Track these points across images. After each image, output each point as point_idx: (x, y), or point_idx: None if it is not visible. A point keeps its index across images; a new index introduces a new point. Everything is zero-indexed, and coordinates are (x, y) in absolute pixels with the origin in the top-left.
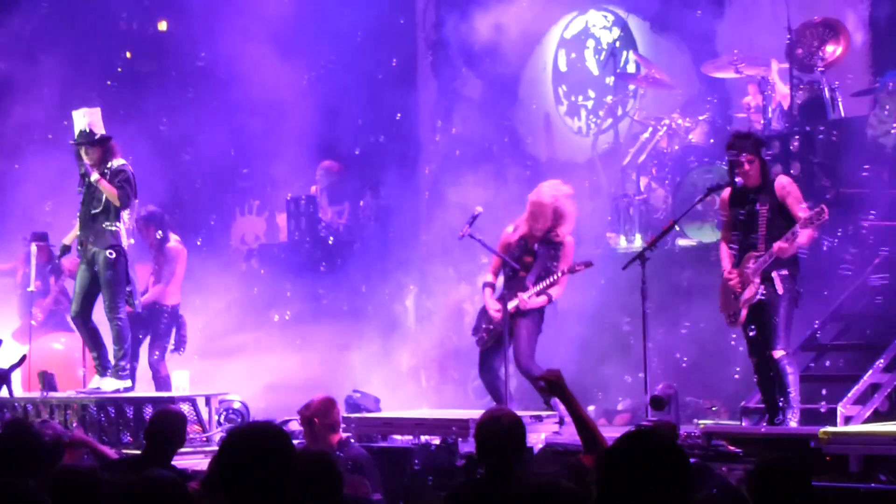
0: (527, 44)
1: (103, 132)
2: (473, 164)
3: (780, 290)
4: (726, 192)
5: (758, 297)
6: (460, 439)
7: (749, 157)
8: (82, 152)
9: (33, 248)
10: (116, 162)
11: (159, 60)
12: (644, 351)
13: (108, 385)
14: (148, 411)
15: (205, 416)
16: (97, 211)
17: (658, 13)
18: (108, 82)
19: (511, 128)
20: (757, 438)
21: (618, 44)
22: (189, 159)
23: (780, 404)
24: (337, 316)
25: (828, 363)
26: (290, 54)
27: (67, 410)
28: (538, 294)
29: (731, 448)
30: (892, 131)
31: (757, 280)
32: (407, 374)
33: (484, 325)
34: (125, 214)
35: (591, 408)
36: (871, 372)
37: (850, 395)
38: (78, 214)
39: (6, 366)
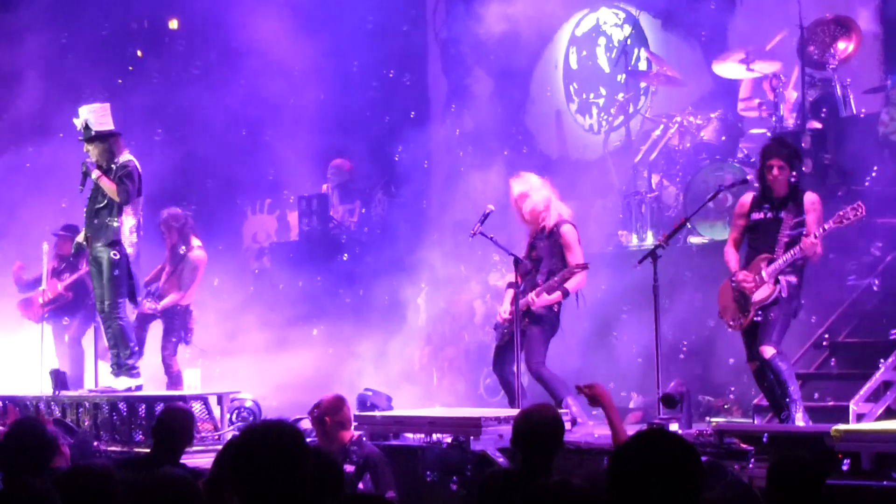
0: (538, 41)
1: (110, 128)
2: (484, 161)
3: (785, 293)
4: (748, 197)
5: (771, 298)
6: (472, 437)
7: (780, 164)
8: (85, 148)
9: (45, 246)
10: (122, 158)
11: (170, 58)
12: (656, 349)
13: (121, 384)
14: (160, 410)
15: (217, 414)
16: (100, 206)
17: (669, 10)
18: (119, 80)
19: (522, 125)
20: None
21: (629, 41)
22: (201, 158)
23: (784, 401)
24: (348, 314)
25: (839, 360)
26: (299, 53)
27: (79, 409)
28: (548, 292)
29: (744, 446)
30: None
31: (772, 281)
32: (419, 373)
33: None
34: (128, 210)
35: None
36: (882, 369)
37: (861, 392)
38: (84, 210)
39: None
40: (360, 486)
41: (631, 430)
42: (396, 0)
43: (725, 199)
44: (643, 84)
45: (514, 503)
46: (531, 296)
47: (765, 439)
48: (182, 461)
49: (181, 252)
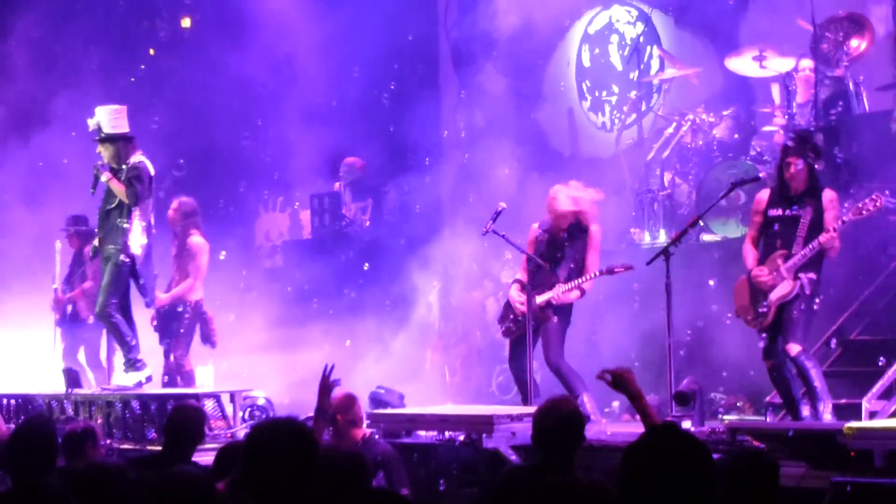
0: (551, 38)
1: (124, 130)
2: (497, 159)
3: (808, 290)
4: (765, 193)
5: (792, 294)
6: (484, 435)
7: (798, 161)
8: (98, 150)
9: (58, 244)
10: (133, 159)
11: (183, 60)
12: (668, 346)
13: (130, 380)
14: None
15: (229, 412)
16: (111, 207)
17: (682, 7)
18: (132, 79)
19: (535, 123)
20: (782, 434)
21: (641, 39)
22: (213, 155)
23: (806, 399)
24: (361, 312)
25: (852, 358)
26: (310, 52)
27: (92, 407)
28: (571, 290)
29: (756, 443)
30: None
31: (791, 277)
32: (431, 370)
33: (511, 316)
34: (138, 212)
35: (615, 403)
36: (895, 367)
37: (874, 389)
38: (98, 212)
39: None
40: (374, 484)
41: (642, 428)
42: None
43: (738, 196)
44: (655, 82)
45: (535, 500)
46: (559, 290)
47: (790, 434)
48: (194, 459)
49: (181, 240)
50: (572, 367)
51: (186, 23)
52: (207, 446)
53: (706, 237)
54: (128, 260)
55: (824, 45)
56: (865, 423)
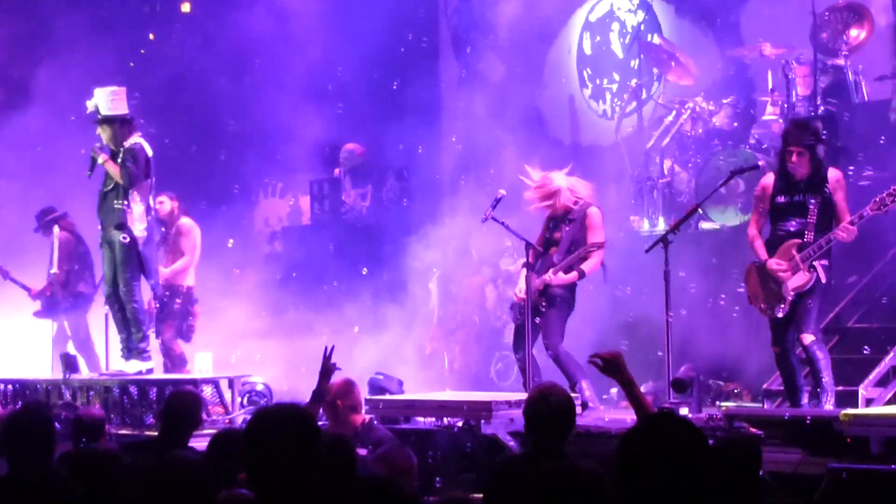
0: (552, 26)
1: (123, 112)
2: (497, 146)
3: (823, 279)
4: (769, 179)
5: (809, 285)
6: (483, 421)
7: (799, 149)
8: (97, 131)
9: (56, 229)
10: (130, 141)
11: (183, 45)
12: (667, 334)
13: (132, 367)
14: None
15: (228, 398)
16: (108, 189)
17: None
18: (131, 64)
19: (535, 111)
20: (779, 421)
21: (642, 27)
22: (212, 142)
23: (816, 389)
24: (360, 298)
25: (848, 345)
26: (312, 40)
27: (90, 392)
28: (565, 271)
29: (753, 430)
30: None
31: (806, 267)
32: (430, 357)
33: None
34: (136, 194)
35: (613, 390)
36: (892, 354)
37: (871, 377)
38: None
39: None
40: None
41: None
42: None
43: (737, 184)
44: (656, 70)
45: (530, 487)
46: (549, 274)
47: (786, 416)
48: (191, 445)
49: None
50: (571, 354)
51: (186, 7)
52: (205, 432)
53: (705, 225)
54: (128, 239)
55: (824, 33)
56: (862, 410)
